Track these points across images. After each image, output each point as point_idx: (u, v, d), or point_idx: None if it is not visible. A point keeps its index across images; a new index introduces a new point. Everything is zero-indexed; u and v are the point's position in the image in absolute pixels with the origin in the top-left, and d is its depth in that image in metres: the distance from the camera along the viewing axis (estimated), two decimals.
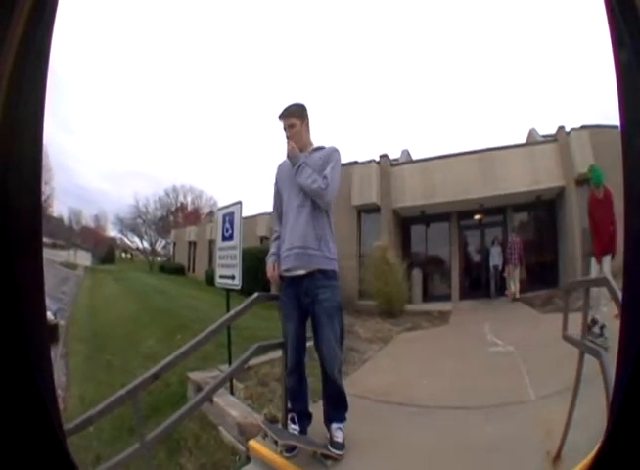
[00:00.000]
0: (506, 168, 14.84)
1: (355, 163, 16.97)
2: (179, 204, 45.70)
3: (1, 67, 0.92)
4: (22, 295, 0.98)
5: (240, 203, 6.17)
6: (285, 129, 4.02)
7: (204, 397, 3.64)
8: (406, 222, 17.74)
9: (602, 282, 3.11)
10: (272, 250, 4.09)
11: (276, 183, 4.26)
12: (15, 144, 0.96)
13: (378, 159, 16.92)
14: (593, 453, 2.68)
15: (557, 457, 3.17)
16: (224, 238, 6.37)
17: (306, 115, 4.10)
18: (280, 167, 4.24)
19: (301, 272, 3.77)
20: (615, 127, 9.66)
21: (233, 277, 6.03)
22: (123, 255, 54.20)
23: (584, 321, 3.45)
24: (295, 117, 4.02)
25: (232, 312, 3.93)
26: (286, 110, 4.01)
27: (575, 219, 13.90)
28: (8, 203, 0.95)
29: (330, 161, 3.88)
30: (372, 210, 16.53)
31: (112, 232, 51.78)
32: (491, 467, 3.43)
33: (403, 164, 17.95)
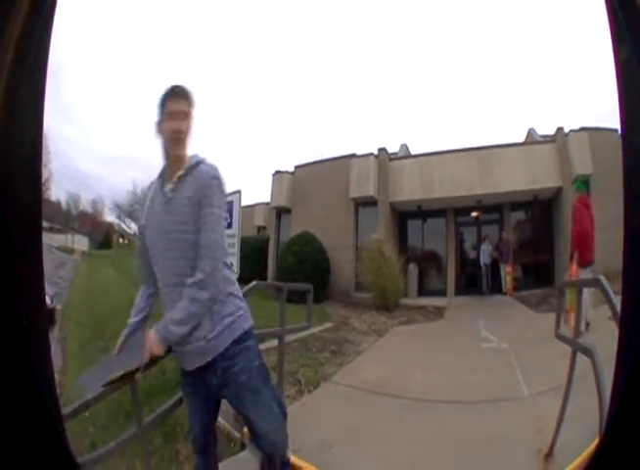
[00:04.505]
0: (504, 167, 14.91)
1: (354, 155, 17.05)
2: None
3: (3, 54, 0.91)
4: (22, 284, 0.98)
5: (239, 192, 6.16)
6: (168, 118, 2.35)
7: None
8: (403, 217, 17.80)
9: (595, 283, 3.09)
10: None
11: None
12: (15, 136, 0.97)
13: (376, 152, 16.90)
14: (587, 452, 2.73)
15: (549, 454, 3.23)
16: (227, 226, 6.36)
17: None
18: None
19: None
20: (614, 130, 9.84)
21: (231, 265, 6.03)
22: (120, 240, 54.35)
23: (577, 321, 3.48)
24: (189, 103, 2.40)
25: None
26: (179, 88, 2.37)
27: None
28: (8, 192, 0.96)
29: (205, 205, 2.34)
30: (369, 203, 16.54)
31: (109, 217, 51.97)
32: (484, 461, 3.47)
33: (402, 158, 17.94)
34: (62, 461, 1.16)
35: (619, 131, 1.06)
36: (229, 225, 6.28)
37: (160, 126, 2.40)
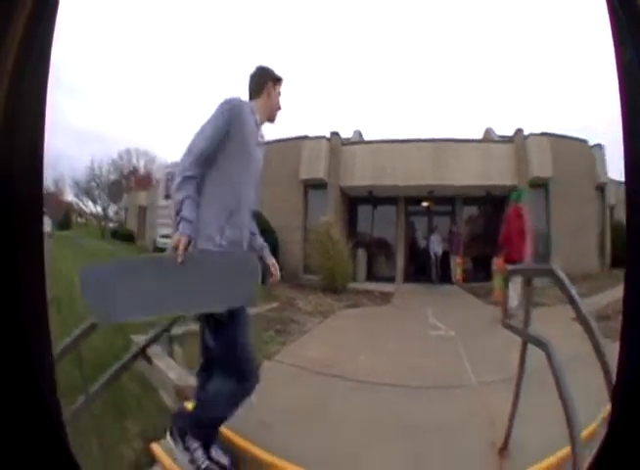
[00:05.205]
0: (458, 161, 15.13)
1: (305, 137, 17.00)
2: (132, 167, 44.92)
3: (3, 60, 0.92)
4: (23, 278, 0.98)
5: None
6: (278, 95, 3.01)
7: (139, 350, 3.90)
8: (353, 201, 17.89)
9: (548, 272, 2.87)
10: None
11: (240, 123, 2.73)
12: (17, 136, 0.97)
13: (329, 136, 16.90)
14: (555, 457, 2.72)
15: (503, 448, 3.16)
16: (166, 197, 6.20)
17: None
18: (246, 113, 2.77)
19: None
20: (579, 140, 10.70)
21: None
22: (78, 219, 53.02)
23: (527, 309, 3.32)
24: None
25: None
26: None
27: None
28: (10, 188, 0.96)
29: None
30: (319, 185, 16.53)
31: (69, 196, 50.59)
32: (431, 445, 3.44)
33: (354, 143, 17.99)
34: (62, 461, 1.13)
35: (621, 134, 1.04)
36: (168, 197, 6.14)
37: (272, 94, 2.98)
